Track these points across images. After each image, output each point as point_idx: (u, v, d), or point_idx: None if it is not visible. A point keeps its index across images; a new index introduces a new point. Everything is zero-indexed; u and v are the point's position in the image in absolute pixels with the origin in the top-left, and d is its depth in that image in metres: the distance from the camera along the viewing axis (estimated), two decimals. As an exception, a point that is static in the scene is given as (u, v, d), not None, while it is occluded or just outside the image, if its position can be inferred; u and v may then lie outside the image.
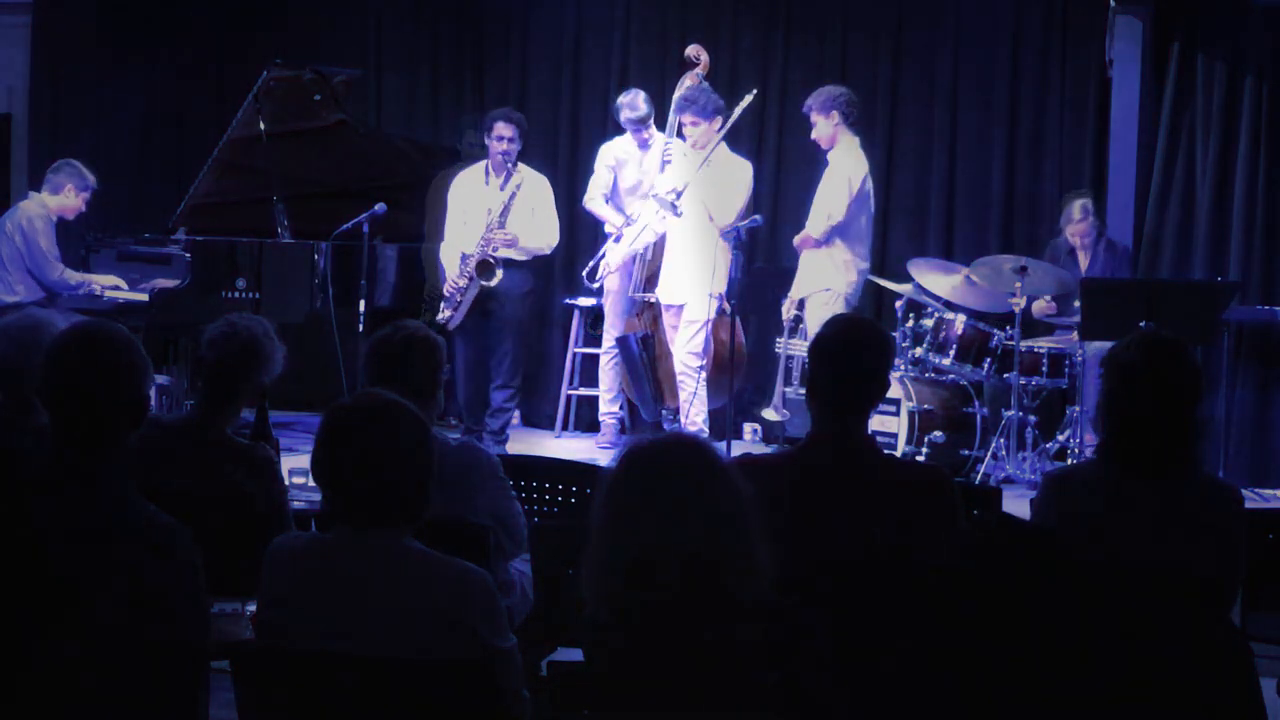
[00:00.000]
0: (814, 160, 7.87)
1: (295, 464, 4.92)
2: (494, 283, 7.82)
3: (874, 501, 3.36)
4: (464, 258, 7.91)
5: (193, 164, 8.54)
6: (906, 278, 7.71)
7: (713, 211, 7.49)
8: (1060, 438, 7.60)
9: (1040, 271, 7.40)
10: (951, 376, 7.62)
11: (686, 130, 7.66)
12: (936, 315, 7.59)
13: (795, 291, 7.70)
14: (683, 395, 7.74)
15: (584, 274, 8.68)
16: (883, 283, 7.90)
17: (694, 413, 7.66)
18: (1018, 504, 6.08)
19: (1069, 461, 7.33)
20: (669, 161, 7.93)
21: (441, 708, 2.75)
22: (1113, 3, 8.10)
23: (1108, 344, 4.46)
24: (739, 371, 7.79)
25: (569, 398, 8.94)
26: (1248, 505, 3.63)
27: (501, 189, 7.96)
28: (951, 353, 7.49)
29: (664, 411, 8.14)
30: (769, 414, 8.06)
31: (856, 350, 3.48)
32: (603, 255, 8.49)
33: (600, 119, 9.10)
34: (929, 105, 8.76)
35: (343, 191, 8.42)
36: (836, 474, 3.39)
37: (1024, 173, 8.64)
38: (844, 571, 3.26)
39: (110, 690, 2.73)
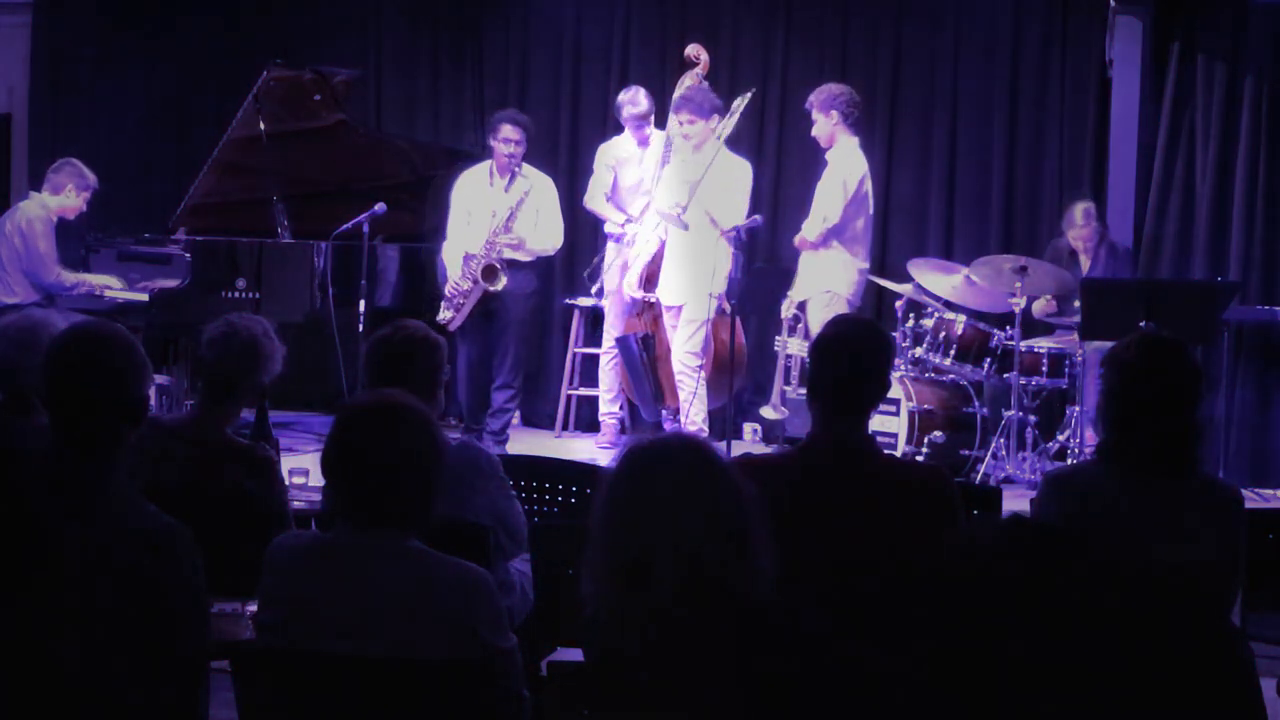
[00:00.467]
0: (814, 160, 7.87)
1: (295, 464, 4.93)
2: (498, 287, 7.83)
3: (874, 501, 3.36)
4: (467, 258, 7.92)
5: (193, 164, 8.53)
6: (906, 278, 7.71)
7: (717, 216, 7.49)
8: (1060, 438, 7.60)
9: (1040, 271, 7.40)
10: (951, 376, 7.62)
11: (684, 129, 7.65)
12: (936, 315, 7.59)
13: (796, 293, 7.71)
14: (682, 395, 7.75)
15: (585, 275, 8.69)
16: (883, 283, 7.90)
17: (694, 412, 7.66)
18: (1018, 504, 6.07)
19: (1069, 461, 7.32)
20: (669, 158, 7.91)
21: (442, 708, 2.75)
22: (1113, 3, 8.11)
23: (1108, 344, 4.45)
24: (739, 371, 7.79)
25: (569, 398, 8.94)
26: (1248, 505, 3.63)
27: (506, 190, 7.97)
28: (951, 353, 7.49)
29: (664, 411, 8.14)
30: (769, 413, 8.06)
31: (857, 350, 3.47)
32: (602, 257, 8.50)
33: (600, 119, 9.10)
34: (929, 105, 8.76)
35: (343, 191, 8.42)
36: (836, 474, 3.39)
37: (1024, 173, 8.64)
38: (844, 571, 3.26)
39: (110, 690, 2.73)
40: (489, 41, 9.56)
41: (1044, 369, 7.48)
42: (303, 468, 4.91)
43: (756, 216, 7.69)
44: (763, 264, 8.80)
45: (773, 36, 9.00)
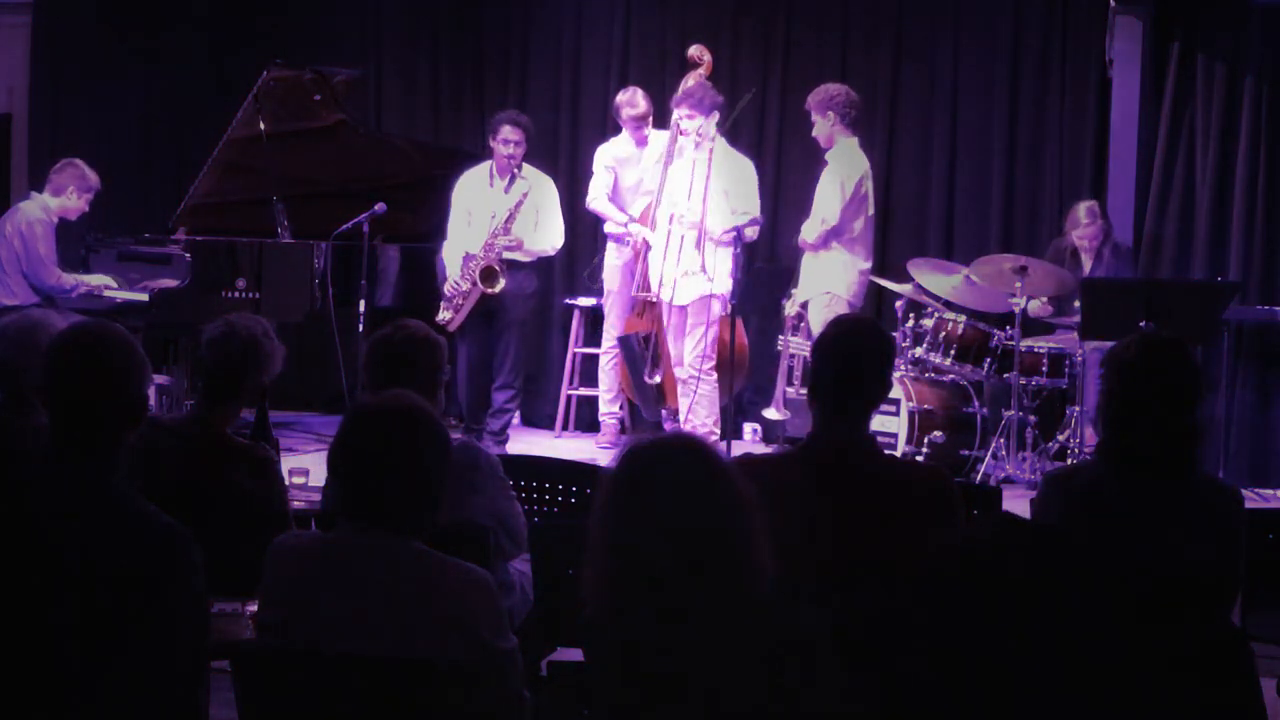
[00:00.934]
0: (814, 160, 7.87)
1: (295, 464, 4.94)
2: (497, 289, 7.83)
3: (874, 502, 3.36)
4: (466, 258, 7.92)
5: (193, 164, 8.54)
6: (906, 278, 7.70)
7: (735, 205, 7.48)
8: (1060, 438, 7.60)
9: (1040, 271, 7.39)
10: (951, 376, 7.62)
11: (684, 123, 7.64)
12: (936, 315, 7.59)
13: (799, 294, 7.72)
14: (682, 401, 7.71)
15: (585, 275, 8.69)
16: (883, 283, 7.90)
17: (703, 415, 7.64)
18: (1018, 504, 6.08)
19: (1069, 461, 7.33)
20: (672, 158, 7.90)
21: (442, 708, 2.75)
22: (1113, 3, 8.10)
23: (1108, 344, 4.46)
24: (740, 371, 7.78)
25: (569, 398, 8.94)
26: (1248, 505, 3.63)
27: (506, 191, 7.97)
28: (951, 353, 7.49)
29: (664, 411, 8.14)
30: (771, 414, 8.06)
31: (858, 351, 3.47)
32: (602, 257, 8.50)
33: (600, 120, 9.10)
34: (929, 105, 8.76)
35: (343, 191, 8.42)
36: (837, 474, 3.39)
37: (1024, 173, 8.64)
38: (844, 572, 3.26)
39: (111, 690, 2.73)
40: (489, 42, 9.56)
41: (1044, 369, 7.48)
42: (303, 468, 4.92)
43: (758, 217, 7.69)
44: (763, 264, 8.81)
45: (773, 37, 9.00)
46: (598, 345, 8.64)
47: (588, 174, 8.58)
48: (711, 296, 7.55)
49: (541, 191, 8.03)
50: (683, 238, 7.61)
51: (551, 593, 3.85)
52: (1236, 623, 3.79)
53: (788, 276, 7.94)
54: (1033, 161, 8.62)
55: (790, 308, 7.78)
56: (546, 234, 8.06)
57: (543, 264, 8.46)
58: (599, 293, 8.56)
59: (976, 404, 7.54)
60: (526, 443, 8.25)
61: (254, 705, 2.83)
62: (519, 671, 2.94)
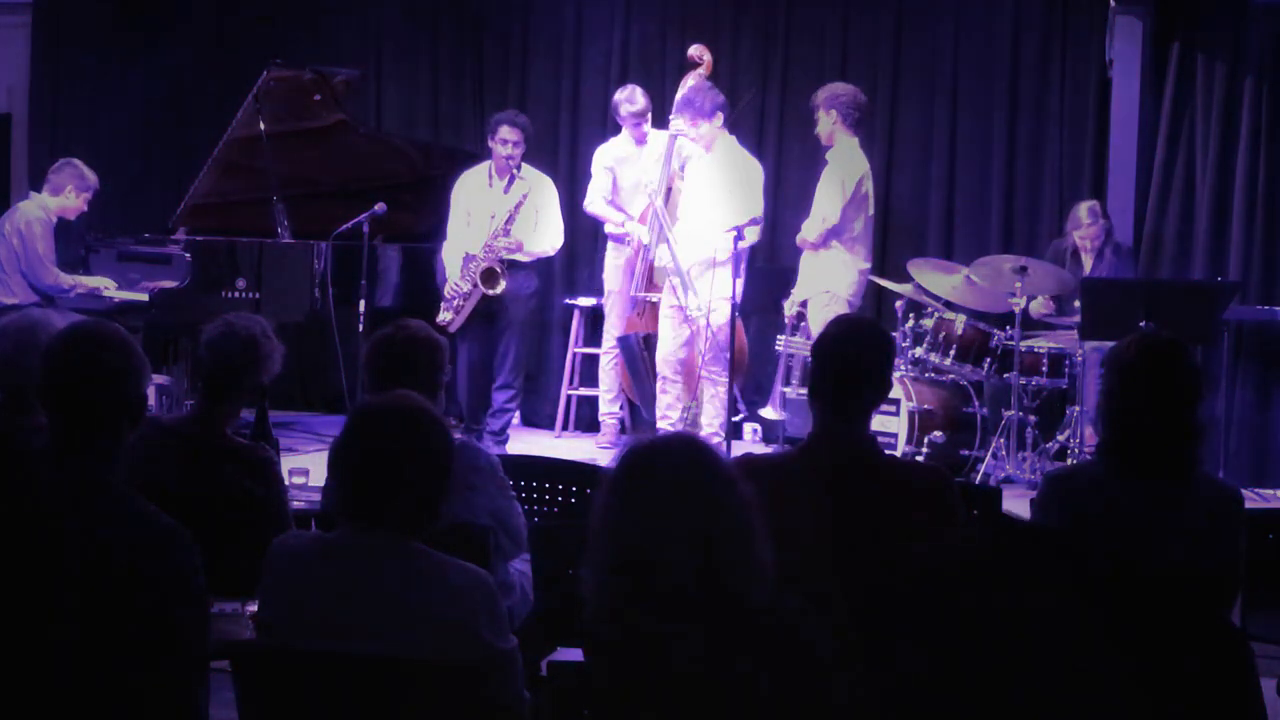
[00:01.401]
0: (815, 160, 7.87)
1: (295, 464, 4.94)
2: (498, 291, 7.83)
3: (874, 502, 3.36)
4: (466, 259, 7.92)
5: (193, 164, 8.54)
6: (906, 278, 7.70)
7: (743, 201, 7.47)
8: (1060, 438, 7.60)
9: (1040, 271, 7.39)
10: (951, 376, 7.62)
11: (689, 131, 7.63)
12: (936, 315, 7.59)
13: (798, 293, 7.71)
14: (667, 400, 7.70)
15: (587, 275, 8.67)
16: (883, 283, 7.90)
17: (711, 416, 7.63)
18: (1018, 504, 6.09)
19: (1069, 461, 7.33)
20: (672, 160, 7.89)
21: (442, 708, 2.75)
22: (1113, 3, 8.11)
23: (1108, 344, 4.46)
24: (739, 371, 7.78)
25: (569, 398, 8.94)
26: (1248, 505, 3.63)
27: (505, 192, 7.97)
28: (951, 353, 7.49)
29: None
30: (769, 413, 8.05)
31: (858, 351, 3.48)
32: (602, 258, 8.50)
33: (600, 120, 9.10)
34: (929, 105, 8.75)
35: (343, 191, 8.42)
36: (837, 474, 3.39)
37: (1024, 173, 8.64)
38: (845, 572, 3.26)
39: (111, 690, 2.73)
40: (489, 41, 9.56)
41: (1044, 369, 7.48)
42: (303, 468, 4.91)
43: (758, 217, 7.68)
44: (763, 264, 8.81)
45: (773, 37, 9.00)
46: (598, 345, 8.64)
47: (587, 174, 8.57)
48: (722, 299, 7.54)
49: (541, 192, 8.03)
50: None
51: (551, 593, 3.85)
52: (1236, 623, 3.79)
53: (788, 276, 7.93)
54: (1033, 161, 8.62)
55: (790, 307, 7.77)
56: (546, 235, 8.06)
57: (543, 264, 8.46)
58: (599, 292, 8.56)
59: (976, 404, 7.54)
60: (526, 443, 8.24)
61: (254, 705, 2.83)
62: (519, 671, 2.94)
